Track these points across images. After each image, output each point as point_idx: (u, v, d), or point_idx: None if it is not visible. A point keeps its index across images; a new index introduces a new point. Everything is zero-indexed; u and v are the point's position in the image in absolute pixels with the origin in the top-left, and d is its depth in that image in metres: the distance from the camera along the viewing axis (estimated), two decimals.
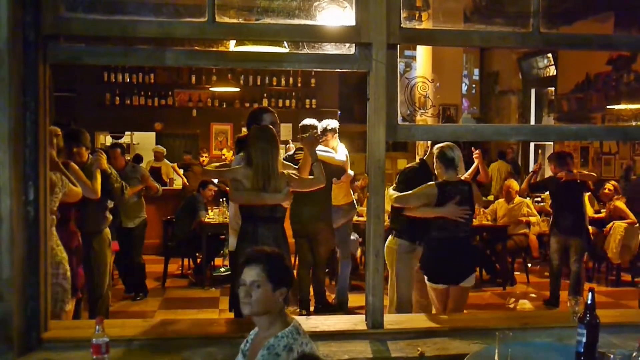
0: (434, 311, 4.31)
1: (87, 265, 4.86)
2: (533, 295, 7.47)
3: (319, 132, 5.56)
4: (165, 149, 10.55)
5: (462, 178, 4.47)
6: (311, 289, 6.02)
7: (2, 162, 2.54)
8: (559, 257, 6.77)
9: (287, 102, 11.88)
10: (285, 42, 3.60)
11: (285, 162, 4.16)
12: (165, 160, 10.35)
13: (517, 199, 8.02)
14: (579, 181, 6.60)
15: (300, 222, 5.69)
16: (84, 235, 4.65)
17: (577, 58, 10.37)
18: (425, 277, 4.27)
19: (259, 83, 11.82)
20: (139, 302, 6.74)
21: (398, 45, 2.99)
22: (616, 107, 9.32)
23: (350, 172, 6.00)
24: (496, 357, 2.34)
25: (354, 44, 2.97)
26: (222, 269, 7.68)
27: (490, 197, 9.61)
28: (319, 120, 5.85)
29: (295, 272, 5.63)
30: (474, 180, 5.21)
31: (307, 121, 5.73)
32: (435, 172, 4.37)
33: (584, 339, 2.37)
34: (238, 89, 11.37)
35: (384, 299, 3.05)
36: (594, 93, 10.28)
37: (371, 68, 2.94)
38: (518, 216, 7.96)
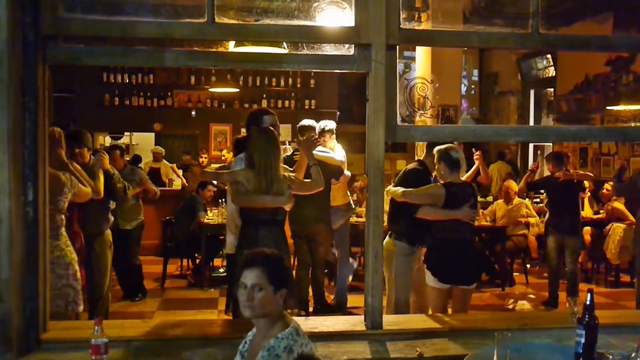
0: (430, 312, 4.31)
1: (87, 266, 4.87)
2: (532, 296, 7.47)
3: (317, 133, 5.56)
4: (164, 150, 10.52)
5: (462, 179, 4.48)
6: (310, 290, 6.03)
7: (1, 163, 2.54)
8: (557, 255, 6.80)
9: (287, 102, 11.87)
10: (284, 43, 3.59)
11: (282, 165, 4.15)
12: (164, 161, 10.32)
13: (516, 199, 8.03)
14: (575, 181, 6.63)
15: (299, 223, 5.68)
16: (85, 236, 4.65)
17: (576, 59, 10.36)
18: (428, 278, 4.27)
19: (258, 84, 11.82)
20: (138, 302, 6.73)
21: (397, 46, 2.99)
22: (615, 108, 9.31)
23: (348, 173, 5.99)
24: (495, 358, 2.34)
25: (353, 45, 2.97)
26: (221, 270, 7.67)
27: (490, 198, 9.63)
28: (317, 121, 5.85)
29: (294, 272, 5.63)
30: (475, 182, 5.21)
31: (306, 122, 5.73)
32: (437, 173, 4.35)
33: (582, 340, 2.38)
34: (237, 90, 11.34)
35: (382, 300, 3.05)
36: (593, 94, 10.28)
37: (370, 69, 2.93)
38: (517, 217, 7.97)
